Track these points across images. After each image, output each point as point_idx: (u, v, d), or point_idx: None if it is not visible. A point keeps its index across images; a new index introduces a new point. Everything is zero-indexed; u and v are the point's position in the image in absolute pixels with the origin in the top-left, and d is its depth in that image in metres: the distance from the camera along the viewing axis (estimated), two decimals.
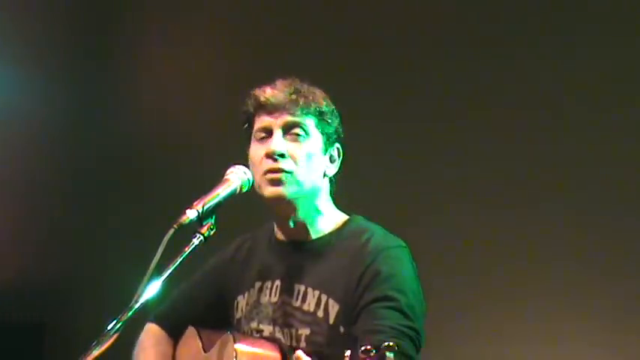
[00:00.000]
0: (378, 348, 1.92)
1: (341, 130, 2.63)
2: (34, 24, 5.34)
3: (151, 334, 2.81)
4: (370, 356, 1.92)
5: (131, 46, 5.30)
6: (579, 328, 4.03)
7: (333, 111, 2.60)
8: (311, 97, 2.57)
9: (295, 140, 2.54)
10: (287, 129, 2.55)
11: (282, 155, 2.52)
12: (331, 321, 2.49)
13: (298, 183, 2.53)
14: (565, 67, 4.11)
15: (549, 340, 4.06)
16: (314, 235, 2.60)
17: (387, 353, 1.92)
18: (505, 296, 4.17)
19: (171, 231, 2.33)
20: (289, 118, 2.55)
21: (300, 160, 2.53)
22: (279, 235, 2.66)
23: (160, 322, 2.81)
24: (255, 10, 4.91)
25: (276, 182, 2.52)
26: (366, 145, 4.22)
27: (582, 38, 4.09)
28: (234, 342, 2.51)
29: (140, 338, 2.80)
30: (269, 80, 2.63)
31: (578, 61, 4.08)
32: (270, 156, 2.52)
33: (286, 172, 2.52)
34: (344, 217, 2.65)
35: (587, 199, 4.04)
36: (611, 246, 3.98)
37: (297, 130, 2.55)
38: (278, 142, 2.53)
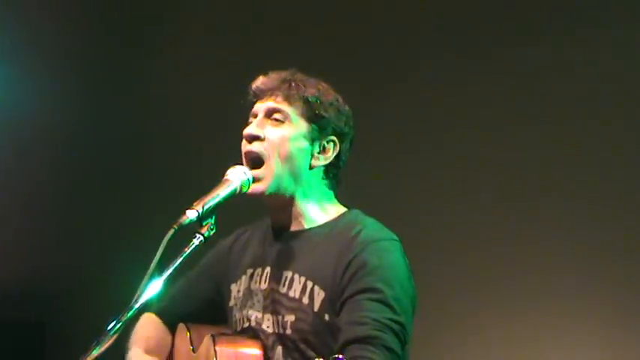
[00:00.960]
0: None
1: (343, 124, 2.63)
2: (38, 25, 5.34)
3: (150, 320, 2.82)
4: None
5: (132, 47, 5.30)
6: (579, 328, 4.04)
7: (331, 103, 2.61)
8: (297, 86, 2.60)
9: (275, 125, 2.58)
10: (269, 113, 2.60)
11: (256, 138, 2.56)
12: (316, 308, 2.49)
13: (273, 173, 2.55)
14: (565, 69, 4.12)
15: (549, 341, 4.06)
16: (307, 225, 2.62)
17: None
18: (505, 297, 4.17)
19: (171, 231, 2.33)
20: (271, 104, 2.60)
21: (274, 144, 2.55)
22: (273, 224, 2.68)
23: (159, 314, 2.83)
24: (260, 12, 4.92)
25: (253, 180, 2.55)
26: (367, 143, 4.21)
27: (581, 39, 4.10)
28: (215, 344, 2.53)
29: (138, 323, 2.79)
30: None
31: (577, 63, 4.09)
32: (246, 139, 2.58)
33: (258, 161, 2.54)
34: (341, 209, 2.66)
35: (588, 199, 4.04)
36: (612, 247, 3.98)
37: (277, 115, 2.59)
38: (253, 126, 2.59)
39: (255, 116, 2.62)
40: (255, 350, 2.54)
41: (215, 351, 2.51)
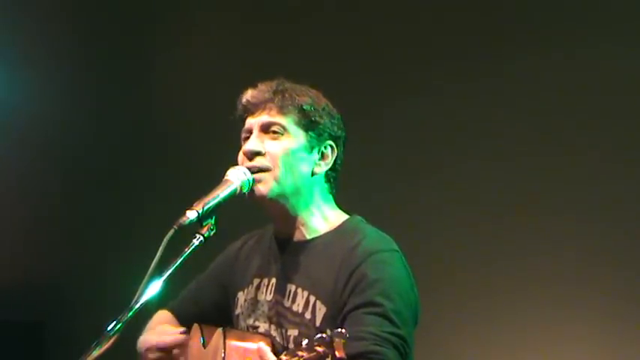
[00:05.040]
0: (330, 336, 1.98)
1: (336, 128, 2.62)
2: (40, 25, 5.34)
3: (165, 313, 2.83)
4: (323, 343, 1.97)
5: (133, 47, 5.30)
6: (579, 330, 4.04)
7: (323, 108, 2.60)
8: (290, 96, 2.58)
9: (274, 138, 2.56)
10: (265, 128, 2.57)
11: (257, 153, 2.54)
12: (318, 323, 2.48)
13: (277, 181, 2.54)
14: (566, 73, 4.12)
15: (549, 343, 4.07)
16: (309, 235, 2.61)
17: (336, 339, 1.96)
18: (504, 299, 4.18)
19: (171, 231, 2.34)
20: (266, 118, 2.58)
21: (277, 158, 2.54)
22: (276, 234, 2.67)
23: (172, 313, 2.84)
24: (262, 13, 4.92)
25: (255, 181, 2.54)
26: (367, 146, 4.22)
27: (585, 44, 4.10)
28: (225, 338, 2.53)
29: (154, 316, 2.82)
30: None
31: (578, 67, 4.09)
32: (247, 155, 2.56)
33: (262, 170, 2.53)
34: (342, 217, 2.65)
35: (586, 200, 4.04)
36: (610, 248, 3.98)
37: (275, 128, 2.56)
38: (253, 141, 2.56)
39: (249, 132, 2.60)
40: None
41: (224, 344, 2.51)
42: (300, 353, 2.07)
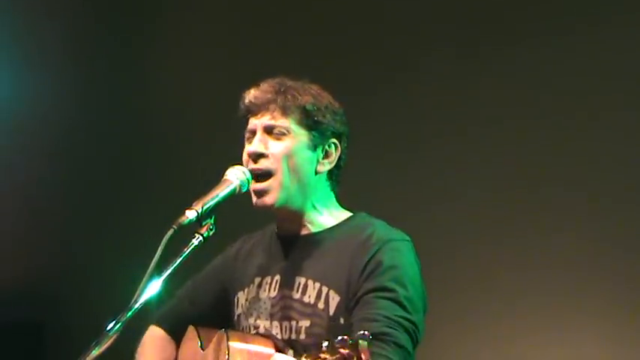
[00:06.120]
0: (354, 339, 1.96)
1: (339, 125, 2.62)
2: (43, 27, 5.34)
3: (152, 337, 2.83)
4: (346, 345, 1.96)
5: (132, 46, 5.30)
6: (580, 329, 4.04)
7: (326, 106, 2.60)
8: (292, 96, 2.58)
9: (277, 139, 2.57)
10: (268, 129, 2.58)
11: (261, 155, 2.56)
12: (331, 312, 2.49)
13: (282, 186, 2.56)
14: (566, 68, 4.12)
15: (550, 341, 4.07)
16: (314, 230, 2.62)
17: (361, 341, 1.96)
18: (506, 297, 4.18)
19: (171, 231, 2.35)
20: (268, 119, 2.58)
21: (279, 159, 2.55)
22: (280, 231, 2.68)
23: (161, 323, 2.83)
24: (261, 10, 4.91)
25: (260, 193, 2.55)
26: (370, 144, 4.22)
27: (584, 39, 4.10)
28: (228, 340, 2.53)
29: (142, 341, 2.82)
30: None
31: (578, 65, 4.09)
32: (251, 157, 2.57)
33: (266, 174, 2.54)
34: (347, 213, 2.67)
35: (588, 199, 4.05)
36: (612, 247, 3.98)
37: (277, 130, 2.57)
38: (256, 143, 2.58)
39: (253, 132, 2.60)
40: (268, 349, 2.53)
41: (228, 347, 2.51)
42: (322, 355, 2.05)
